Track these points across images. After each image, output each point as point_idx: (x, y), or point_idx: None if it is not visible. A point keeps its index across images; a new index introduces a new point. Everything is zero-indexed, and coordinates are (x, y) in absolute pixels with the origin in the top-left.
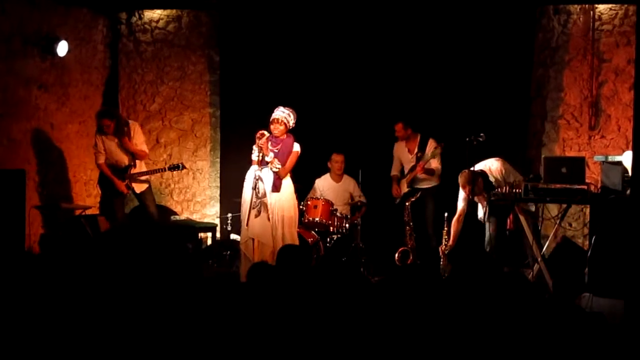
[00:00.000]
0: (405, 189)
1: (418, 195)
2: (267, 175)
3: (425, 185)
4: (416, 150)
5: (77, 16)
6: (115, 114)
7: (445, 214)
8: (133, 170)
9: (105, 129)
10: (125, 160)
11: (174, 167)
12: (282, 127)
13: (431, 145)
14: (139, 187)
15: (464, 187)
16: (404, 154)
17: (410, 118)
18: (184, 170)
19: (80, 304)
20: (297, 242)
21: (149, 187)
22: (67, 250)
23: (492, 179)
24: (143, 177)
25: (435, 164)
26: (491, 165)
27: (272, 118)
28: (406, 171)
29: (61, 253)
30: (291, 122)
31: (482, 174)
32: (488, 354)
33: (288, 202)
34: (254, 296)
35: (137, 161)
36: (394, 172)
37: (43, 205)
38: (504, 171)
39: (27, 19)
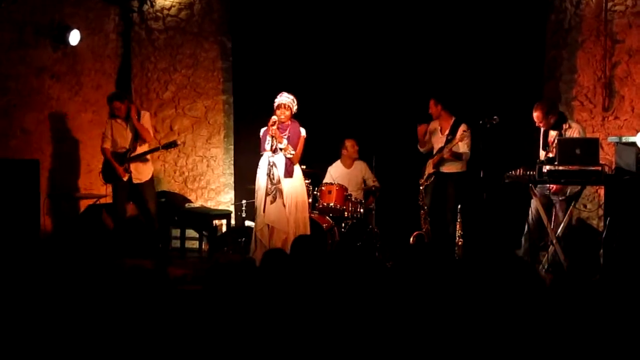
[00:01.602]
0: (430, 169)
1: (432, 179)
2: (280, 161)
3: (448, 169)
4: (447, 132)
5: (88, 5)
6: (125, 97)
7: (459, 206)
8: (131, 154)
9: (116, 112)
10: (127, 145)
11: (168, 145)
12: (288, 113)
13: (462, 130)
14: (138, 176)
15: (540, 120)
16: (435, 133)
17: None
18: (198, 158)
19: (91, 291)
20: (309, 228)
21: (151, 180)
22: (82, 240)
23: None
24: (144, 158)
25: (464, 148)
26: (572, 122)
27: (277, 104)
28: (435, 151)
29: (76, 242)
30: (295, 107)
31: (561, 114)
32: (500, 339)
33: (301, 187)
34: (268, 282)
35: (138, 146)
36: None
37: (57, 194)
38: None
39: (38, 8)
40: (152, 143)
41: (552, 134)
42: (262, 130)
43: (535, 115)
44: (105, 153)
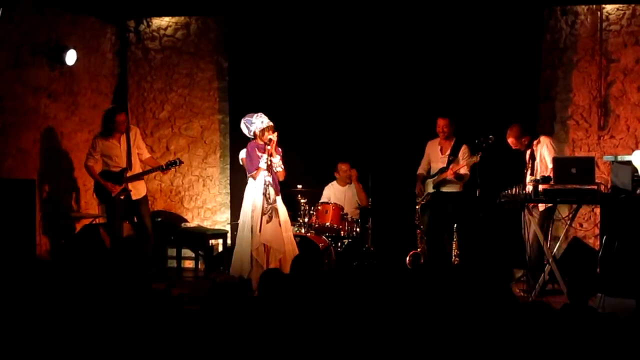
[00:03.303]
0: (430, 189)
1: (429, 197)
2: (273, 180)
3: (447, 189)
4: (449, 152)
5: (85, 25)
6: (125, 109)
7: (455, 225)
8: (129, 173)
9: (118, 126)
10: (122, 163)
11: (171, 164)
12: (274, 133)
13: (465, 151)
14: (136, 193)
15: (515, 145)
16: (435, 153)
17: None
18: (194, 177)
19: (87, 311)
20: (295, 246)
21: (146, 197)
22: (78, 259)
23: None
24: (141, 178)
25: (465, 170)
26: (542, 137)
27: (267, 125)
28: (433, 171)
29: (72, 262)
30: None
31: (533, 132)
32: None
33: (283, 206)
34: (267, 303)
35: (133, 164)
36: (421, 170)
37: (53, 214)
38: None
39: (35, 28)
40: (149, 159)
41: (528, 153)
42: (243, 152)
43: (510, 141)
44: (90, 170)
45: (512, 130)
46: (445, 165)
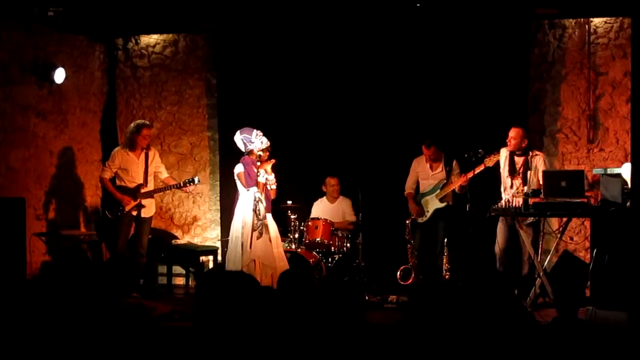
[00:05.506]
0: (434, 206)
1: (426, 217)
2: (263, 197)
3: (437, 205)
4: (440, 169)
5: (73, 43)
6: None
7: (445, 240)
8: (144, 189)
9: (141, 141)
10: (138, 179)
11: (189, 182)
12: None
13: (457, 167)
14: (147, 211)
15: (516, 140)
16: (424, 171)
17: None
18: (185, 194)
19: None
20: (286, 261)
21: (152, 217)
22: (68, 278)
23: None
24: (153, 195)
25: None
26: (536, 150)
27: (267, 145)
28: (423, 188)
29: (62, 280)
30: None
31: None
32: None
33: (273, 222)
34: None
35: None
36: (409, 190)
37: (43, 232)
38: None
39: (23, 46)
40: (167, 178)
41: (518, 160)
42: (239, 167)
43: (513, 135)
44: (105, 183)
45: (521, 127)
46: (444, 178)
